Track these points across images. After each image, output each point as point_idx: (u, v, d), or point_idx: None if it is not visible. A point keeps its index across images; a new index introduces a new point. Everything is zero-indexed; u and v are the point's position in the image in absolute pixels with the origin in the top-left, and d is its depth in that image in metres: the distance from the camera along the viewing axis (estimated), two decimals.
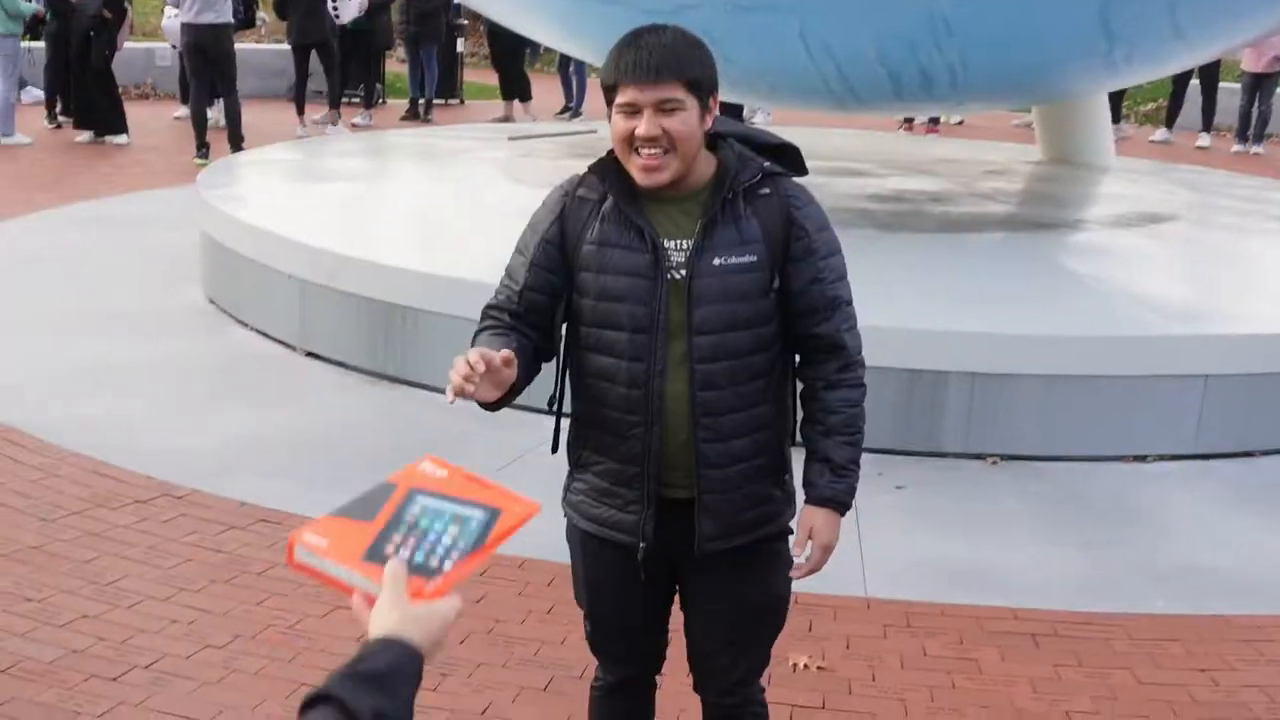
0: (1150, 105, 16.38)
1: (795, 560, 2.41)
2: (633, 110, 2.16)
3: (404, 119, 14.45)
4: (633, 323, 2.26)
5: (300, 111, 12.76)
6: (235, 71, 11.38)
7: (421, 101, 14.67)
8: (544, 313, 2.34)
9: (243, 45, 13.68)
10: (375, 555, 1.41)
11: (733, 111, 13.11)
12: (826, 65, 6.06)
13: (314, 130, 12.72)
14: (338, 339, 5.97)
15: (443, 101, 15.54)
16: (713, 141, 2.30)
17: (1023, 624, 3.89)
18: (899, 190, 8.10)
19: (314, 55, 12.65)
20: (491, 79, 15.54)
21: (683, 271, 2.25)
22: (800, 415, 2.43)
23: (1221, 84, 14.77)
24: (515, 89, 14.49)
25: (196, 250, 7.29)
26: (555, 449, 2.50)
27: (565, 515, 2.49)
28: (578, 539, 2.48)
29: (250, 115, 12.13)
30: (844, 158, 8.89)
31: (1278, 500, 4.96)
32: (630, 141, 2.17)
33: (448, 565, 1.41)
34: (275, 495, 4.55)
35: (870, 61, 6.14)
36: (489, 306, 2.37)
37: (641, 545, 2.35)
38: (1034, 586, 4.14)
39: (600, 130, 10.54)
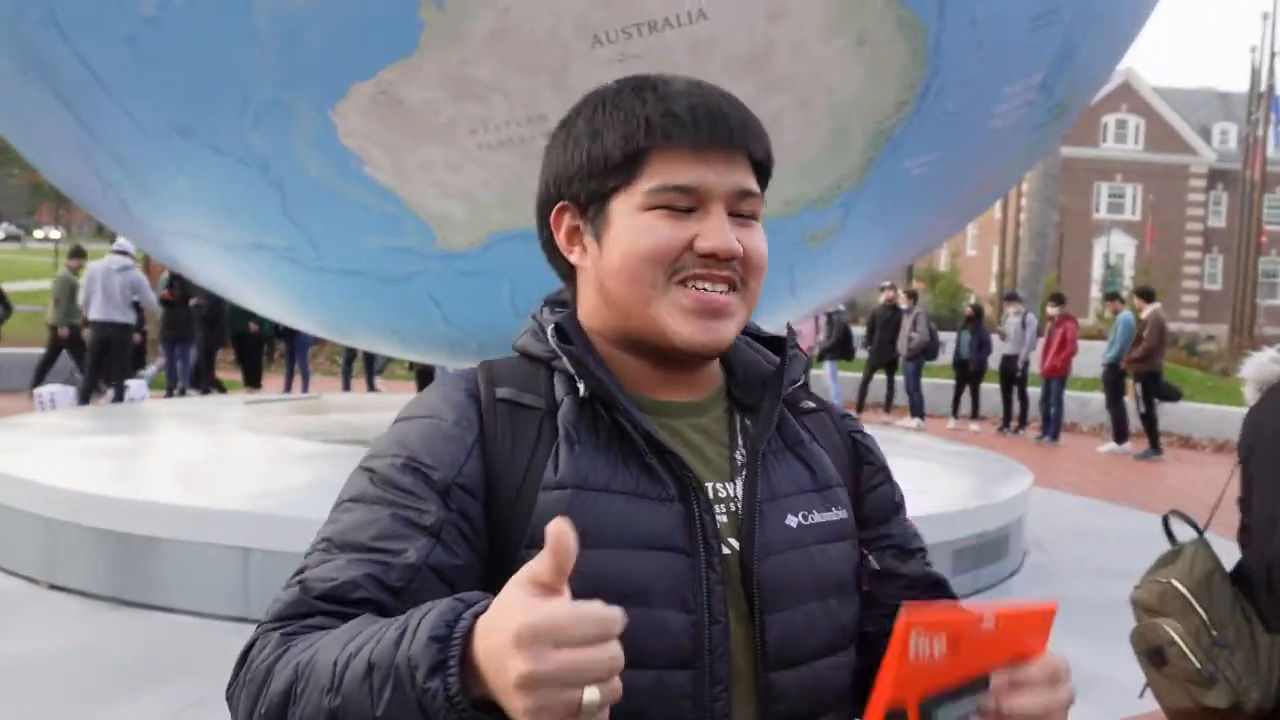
0: None
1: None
2: (687, 204, 1.08)
3: None
4: (670, 648, 1.03)
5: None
6: None
7: (176, 390, 14.46)
8: None
9: None
10: None
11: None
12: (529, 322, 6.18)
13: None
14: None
15: (198, 393, 15.30)
16: None
17: None
18: None
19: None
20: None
21: (734, 542, 1.09)
22: None
23: None
24: (255, 377, 14.82)
25: None
26: None
27: None
28: None
29: None
30: None
31: None
32: (674, 262, 1.08)
33: None
34: None
35: None
36: (316, 598, 0.99)
37: None
38: None
39: (324, 396, 10.46)
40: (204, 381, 14.26)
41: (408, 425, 1.10)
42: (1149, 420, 13.00)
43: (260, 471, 6.42)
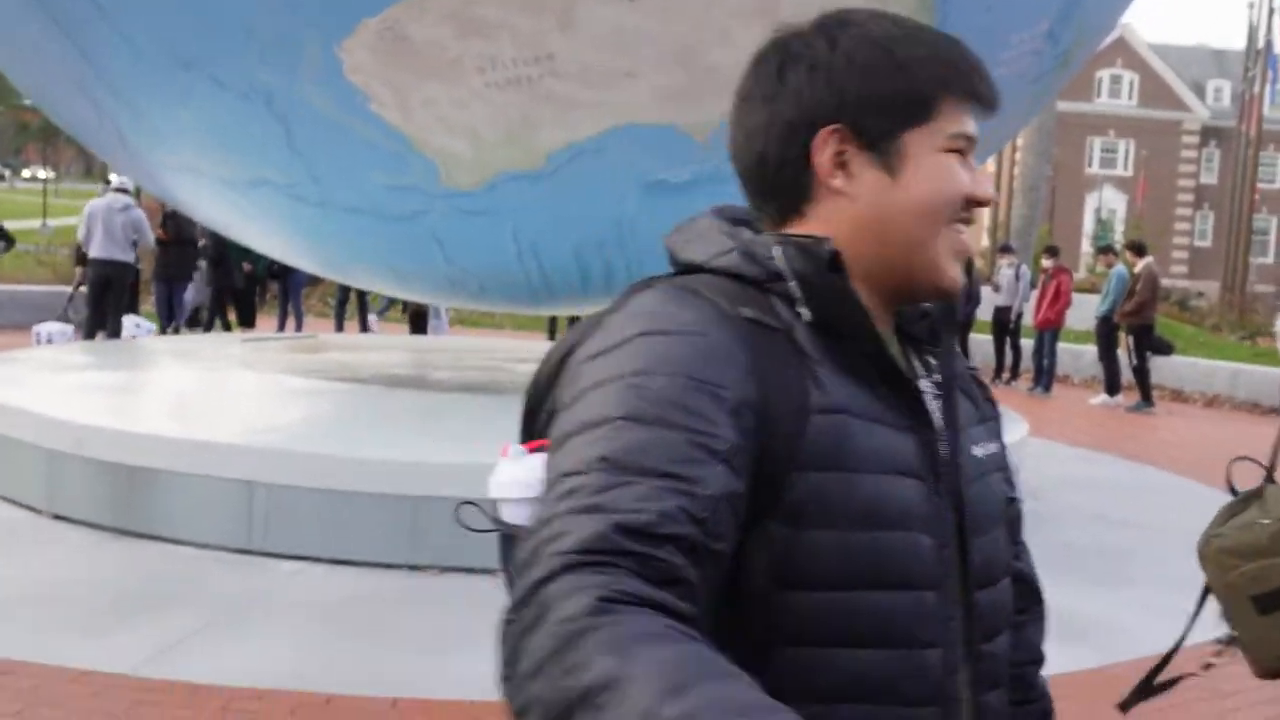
0: None
1: None
2: (966, 150, 1.11)
3: None
4: (923, 571, 1.05)
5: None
6: None
7: (170, 329, 14.38)
8: (723, 557, 0.95)
9: None
10: None
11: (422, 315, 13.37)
12: (530, 263, 6.26)
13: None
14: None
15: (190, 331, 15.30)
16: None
17: None
18: None
19: None
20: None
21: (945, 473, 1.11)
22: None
23: None
24: (250, 317, 14.84)
25: None
26: None
27: None
28: None
29: None
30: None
31: None
32: (955, 209, 1.10)
33: None
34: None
35: (568, 258, 6.30)
36: (625, 533, 0.87)
37: None
38: None
39: (320, 335, 10.47)
40: (209, 320, 14.24)
41: (666, 341, 0.99)
42: (1141, 373, 13.07)
43: (260, 407, 6.42)
